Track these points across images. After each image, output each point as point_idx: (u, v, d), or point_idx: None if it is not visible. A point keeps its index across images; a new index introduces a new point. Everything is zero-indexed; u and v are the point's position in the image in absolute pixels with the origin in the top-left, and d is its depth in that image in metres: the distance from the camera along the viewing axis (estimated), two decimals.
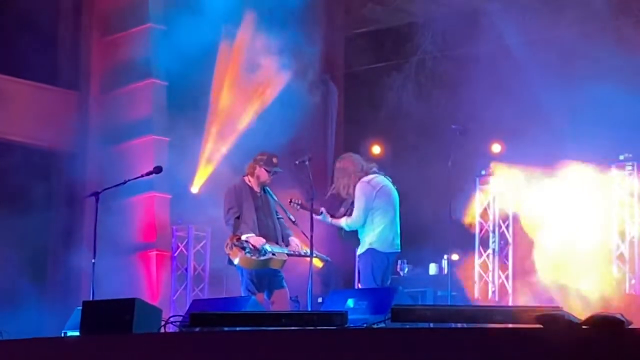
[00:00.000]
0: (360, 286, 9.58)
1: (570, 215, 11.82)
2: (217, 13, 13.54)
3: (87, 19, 15.16)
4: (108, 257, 11.93)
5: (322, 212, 9.50)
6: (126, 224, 13.98)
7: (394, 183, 9.86)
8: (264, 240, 9.55)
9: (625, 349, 5.24)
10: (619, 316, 5.49)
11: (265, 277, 9.65)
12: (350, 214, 9.59)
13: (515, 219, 12.88)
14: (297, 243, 9.79)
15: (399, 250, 9.72)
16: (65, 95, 15.05)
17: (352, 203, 9.60)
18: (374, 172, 9.70)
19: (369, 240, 9.51)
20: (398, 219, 9.65)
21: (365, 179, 9.60)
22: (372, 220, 9.50)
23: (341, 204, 9.78)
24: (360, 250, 9.62)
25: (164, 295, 14.03)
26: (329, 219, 9.64)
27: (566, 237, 11.88)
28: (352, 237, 9.74)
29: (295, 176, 10.29)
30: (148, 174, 10.30)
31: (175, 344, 6.62)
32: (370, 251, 9.48)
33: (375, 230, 9.49)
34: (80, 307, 7.53)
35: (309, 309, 9.13)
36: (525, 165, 12.15)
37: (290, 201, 9.77)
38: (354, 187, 9.59)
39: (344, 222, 9.61)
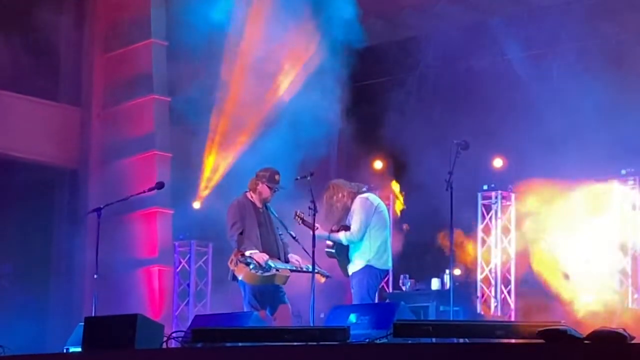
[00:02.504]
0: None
1: (574, 230, 11.81)
2: (218, 29, 13.56)
3: (89, 34, 15.19)
4: (110, 273, 11.95)
5: (317, 228, 9.47)
6: (128, 239, 13.99)
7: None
8: (267, 257, 9.54)
9: None
10: (621, 331, 5.48)
11: (268, 292, 9.64)
12: (345, 230, 9.61)
13: (520, 233, 12.85)
14: (296, 259, 9.79)
15: (390, 268, 9.85)
16: (67, 111, 15.08)
17: (340, 219, 9.65)
18: (365, 192, 9.77)
19: (366, 256, 9.54)
20: (390, 238, 9.80)
21: (364, 195, 9.69)
22: (370, 236, 9.56)
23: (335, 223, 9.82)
24: (354, 268, 9.60)
25: (166, 310, 14.01)
26: (325, 234, 9.65)
27: (569, 251, 11.88)
28: (340, 254, 9.72)
29: (296, 191, 10.29)
30: (150, 189, 10.32)
31: None
32: (368, 268, 9.52)
33: (372, 246, 9.55)
34: (83, 323, 7.53)
35: (311, 325, 9.12)
36: (552, 181, 12.08)
37: (296, 214, 9.77)
38: (350, 201, 9.61)
39: (342, 236, 9.63)
